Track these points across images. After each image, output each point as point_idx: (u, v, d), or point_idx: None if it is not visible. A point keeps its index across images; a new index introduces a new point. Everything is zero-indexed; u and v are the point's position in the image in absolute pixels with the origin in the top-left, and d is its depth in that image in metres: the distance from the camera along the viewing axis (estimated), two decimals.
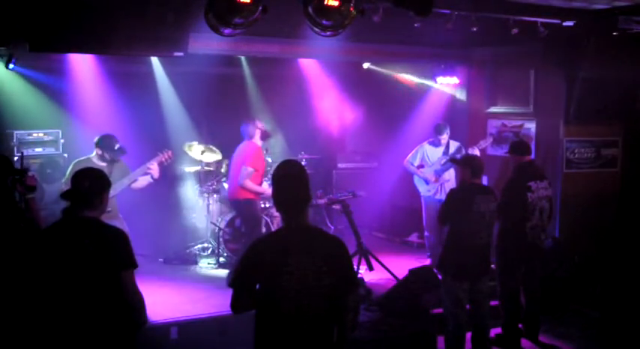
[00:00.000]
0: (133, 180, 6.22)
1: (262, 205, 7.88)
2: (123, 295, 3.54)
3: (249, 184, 7.07)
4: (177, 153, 8.85)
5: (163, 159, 6.46)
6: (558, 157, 7.78)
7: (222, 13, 4.90)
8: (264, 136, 7.40)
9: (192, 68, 8.47)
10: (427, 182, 8.03)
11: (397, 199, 9.81)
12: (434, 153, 8.07)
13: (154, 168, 6.28)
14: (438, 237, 7.89)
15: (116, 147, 6.14)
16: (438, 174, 7.96)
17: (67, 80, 8.06)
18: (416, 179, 8.17)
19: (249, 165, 7.07)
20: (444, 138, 7.98)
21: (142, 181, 6.32)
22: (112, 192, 5.12)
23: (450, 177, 7.97)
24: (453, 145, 8.07)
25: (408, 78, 9.60)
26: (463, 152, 7.88)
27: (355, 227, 7.40)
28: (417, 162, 8.12)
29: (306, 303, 3.18)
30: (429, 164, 8.06)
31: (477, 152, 7.45)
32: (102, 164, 6.01)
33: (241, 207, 7.35)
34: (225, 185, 8.42)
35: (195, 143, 8.59)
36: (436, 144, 8.07)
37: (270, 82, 9.59)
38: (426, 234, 8.32)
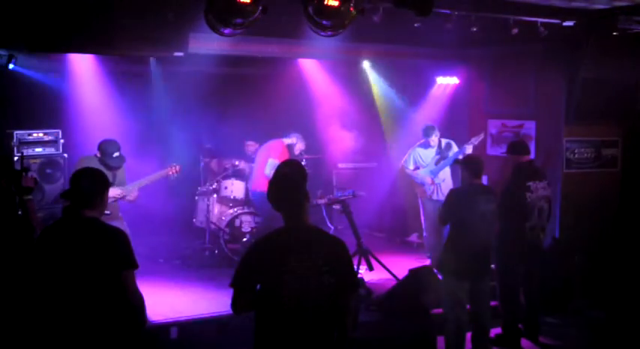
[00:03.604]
0: (135, 189, 6.18)
1: None
2: (123, 295, 3.53)
3: None
4: (176, 153, 8.86)
5: (170, 173, 6.45)
6: (558, 157, 7.77)
7: (222, 13, 4.90)
8: (291, 151, 7.97)
9: (191, 68, 8.45)
10: (424, 184, 8.03)
11: (397, 199, 9.80)
12: (426, 155, 8.09)
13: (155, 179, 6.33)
14: (437, 237, 7.90)
15: (114, 155, 5.91)
16: (434, 173, 7.95)
17: (67, 80, 8.05)
18: (417, 181, 8.16)
19: (275, 157, 7.63)
20: (434, 140, 8.01)
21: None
22: (112, 192, 5.13)
23: (446, 176, 8.00)
24: (444, 143, 8.09)
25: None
26: (454, 148, 7.94)
27: (355, 227, 7.39)
28: (411, 166, 8.13)
29: (306, 303, 3.18)
30: (424, 166, 8.06)
31: (470, 149, 7.46)
32: (100, 167, 5.97)
33: (261, 199, 7.53)
34: (226, 185, 8.44)
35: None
36: (426, 145, 8.08)
37: (270, 82, 9.57)
38: (425, 234, 8.32)
